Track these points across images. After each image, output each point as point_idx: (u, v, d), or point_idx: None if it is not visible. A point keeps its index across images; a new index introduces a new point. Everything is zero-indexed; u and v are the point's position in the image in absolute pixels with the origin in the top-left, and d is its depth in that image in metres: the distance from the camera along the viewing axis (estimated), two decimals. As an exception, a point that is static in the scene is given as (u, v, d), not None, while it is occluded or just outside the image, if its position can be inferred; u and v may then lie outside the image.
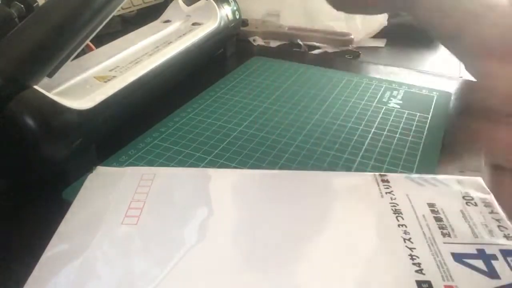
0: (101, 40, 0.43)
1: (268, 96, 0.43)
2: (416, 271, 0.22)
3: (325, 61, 0.52)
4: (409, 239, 0.25)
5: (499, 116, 0.35)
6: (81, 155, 0.31)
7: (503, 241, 0.24)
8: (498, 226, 0.25)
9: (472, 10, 0.35)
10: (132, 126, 0.37)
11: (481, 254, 0.23)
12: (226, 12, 0.50)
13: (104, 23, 0.36)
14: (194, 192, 0.29)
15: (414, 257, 0.23)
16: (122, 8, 0.60)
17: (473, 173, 0.32)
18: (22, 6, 0.35)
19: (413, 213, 0.26)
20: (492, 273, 0.22)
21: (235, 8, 0.52)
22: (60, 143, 0.30)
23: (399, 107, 0.40)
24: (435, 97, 0.42)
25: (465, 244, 0.24)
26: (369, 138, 0.36)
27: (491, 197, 0.28)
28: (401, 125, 0.37)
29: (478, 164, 0.33)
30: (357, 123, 0.38)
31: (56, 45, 0.31)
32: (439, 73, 0.48)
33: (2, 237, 0.28)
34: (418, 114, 0.39)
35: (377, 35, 0.60)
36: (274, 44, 0.60)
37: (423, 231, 0.25)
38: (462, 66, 0.44)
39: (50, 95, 0.29)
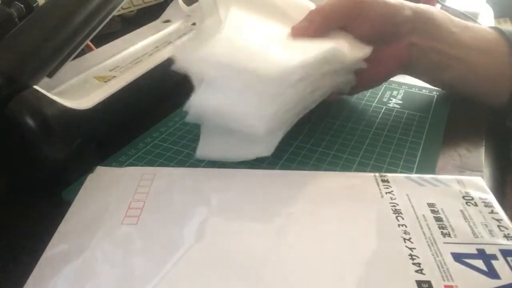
0: (101, 40, 0.43)
1: (268, 96, 0.43)
2: (416, 271, 0.22)
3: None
4: (409, 239, 0.25)
5: None
6: (81, 155, 0.31)
7: (503, 241, 0.24)
8: (498, 226, 0.25)
9: (464, 58, 0.36)
10: (132, 126, 0.37)
11: (481, 254, 0.23)
12: (226, 12, 0.50)
13: (104, 23, 0.36)
14: (194, 192, 0.29)
15: (414, 257, 0.23)
16: (122, 8, 0.60)
17: (473, 173, 0.32)
18: (22, 6, 0.36)
19: (413, 213, 0.26)
20: (492, 273, 0.22)
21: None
22: (60, 143, 0.30)
23: (399, 107, 0.40)
24: (435, 97, 0.42)
25: (465, 244, 0.24)
26: (369, 138, 0.36)
27: (491, 197, 0.28)
28: (401, 125, 0.37)
29: (478, 164, 0.33)
30: (357, 123, 0.38)
31: (56, 45, 0.31)
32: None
33: (1, 237, 0.28)
34: (418, 114, 0.39)
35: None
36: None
37: (423, 231, 0.25)
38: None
39: (50, 95, 0.29)
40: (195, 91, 0.29)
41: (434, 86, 0.42)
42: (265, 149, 0.31)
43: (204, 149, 0.31)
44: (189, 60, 0.29)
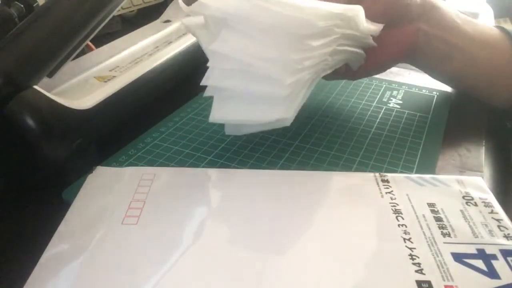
0: (101, 40, 0.43)
1: (268, 96, 0.43)
2: (416, 271, 0.22)
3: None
4: (409, 239, 0.25)
5: None
6: (81, 155, 0.31)
7: (503, 241, 0.24)
8: (498, 226, 0.25)
9: (467, 50, 0.37)
10: (132, 126, 0.37)
11: (481, 254, 0.23)
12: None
13: (104, 23, 0.36)
14: (194, 192, 0.29)
15: (414, 257, 0.23)
16: (122, 8, 0.60)
17: (473, 173, 0.32)
18: (22, 6, 0.36)
19: (413, 213, 0.26)
20: (492, 273, 0.22)
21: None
22: (60, 143, 0.30)
23: (399, 107, 0.40)
24: (435, 97, 0.42)
25: (465, 244, 0.24)
26: (369, 138, 0.36)
27: (491, 197, 0.28)
28: (401, 125, 0.37)
29: (478, 164, 0.33)
30: (357, 123, 0.38)
31: (56, 45, 0.31)
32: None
33: (2, 237, 0.28)
34: (418, 114, 0.39)
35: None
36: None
37: (423, 231, 0.25)
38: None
39: (50, 95, 0.29)
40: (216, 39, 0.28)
41: (436, 78, 0.42)
42: (285, 111, 0.29)
43: (218, 112, 0.29)
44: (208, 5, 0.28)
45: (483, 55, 0.37)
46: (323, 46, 0.29)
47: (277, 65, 0.27)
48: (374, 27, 0.33)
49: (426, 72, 0.41)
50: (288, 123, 0.30)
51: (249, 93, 0.28)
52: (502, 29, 0.38)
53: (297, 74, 0.28)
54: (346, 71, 0.36)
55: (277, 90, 0.28)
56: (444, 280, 0.22)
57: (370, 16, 0.33)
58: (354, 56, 0.34)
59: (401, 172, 0.31)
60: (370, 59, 0.36)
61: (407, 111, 0.40)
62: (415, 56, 0.38)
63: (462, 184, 0.29)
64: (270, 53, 0.27)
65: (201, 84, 0.29)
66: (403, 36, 0.36)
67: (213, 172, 0.31)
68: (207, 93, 0.29)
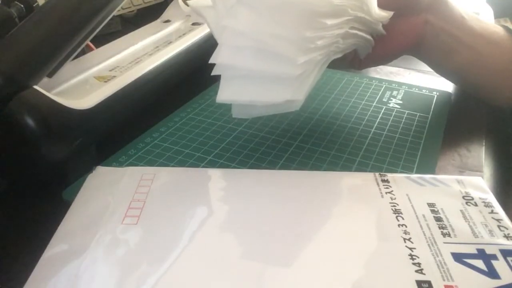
0: (101, 40, 0.43)
1: (268, 96, 0.43)
2: (416, 271, 0.22)
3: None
4: (409, 239, 0.25)
5: None
6: (81, 155, 0.31)
7: (503, 241, 0.24)
8: (498, 226, 0.25)
9: (472, 45, 0.37)
10: (132, 126, 0.37)
11: (481, 254, 0.23)
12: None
13: (104, 23, 0.36)
14: (194, 192, 0.29)
15: (414, 257, 0.23)
16: (122, 8, 0.60)
17: (473, 173, 0.32)
18: (22, 6, 0.36)
19: (413, 213, 0.26)
20: (492, 273, 0.22)
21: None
22: (60, 143, 0.30)
23: (399, 107, 0.40)
24: (435, 97, 0.42)
25: (465, 244, 0.24)
26: (369, 138, 0.36)
27: (491, 197, 0.28)
28: (401, 125, 0.37)
29: (478, 164, 0.33)
30: (357, 123, 0.38)
31: (56, 45, 0.31)
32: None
33: (2, 237, 0.28)
34: (418, 114, 0.39)
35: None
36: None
37: (423, 231, 0.25)
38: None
39: (50, 95, 0.29)
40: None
41: (439, 72, 0.42)
42: (295, 93, 0.28)
43: (225, 92, 0.28)
44: None
45: (487, 52, 0.37)
46: (336, 26, 0.29)
47: (290, 42, 0.27)
48: (385, 14, 0.33)
49: (429, 65, 0.41)
50: (297, 107, 0.29)
51: (259, 71, 0.28)
52: (505, 27, 0.38)
53: (310, 53, 0.28)
54: (353, 58, 0.36)
55: (289, 69, 0.27)
56: (444, 280, 0.22)
57: (381, 3, 0.33)
58: (363, 42, 0.34)
59: (401, 172, 0.31)
60: (378, 48, 0.36)
61: (407, 111, 0.40)
62: (421, 48, 0.38)
63: (462, 184, 0.29)
64: (283, 29, 0.27)
65: (209, 62, 0.28)
66: (410, 27, 0.36)
67: (213, 172, 0.31)
68: (215, 72, 0.28)
